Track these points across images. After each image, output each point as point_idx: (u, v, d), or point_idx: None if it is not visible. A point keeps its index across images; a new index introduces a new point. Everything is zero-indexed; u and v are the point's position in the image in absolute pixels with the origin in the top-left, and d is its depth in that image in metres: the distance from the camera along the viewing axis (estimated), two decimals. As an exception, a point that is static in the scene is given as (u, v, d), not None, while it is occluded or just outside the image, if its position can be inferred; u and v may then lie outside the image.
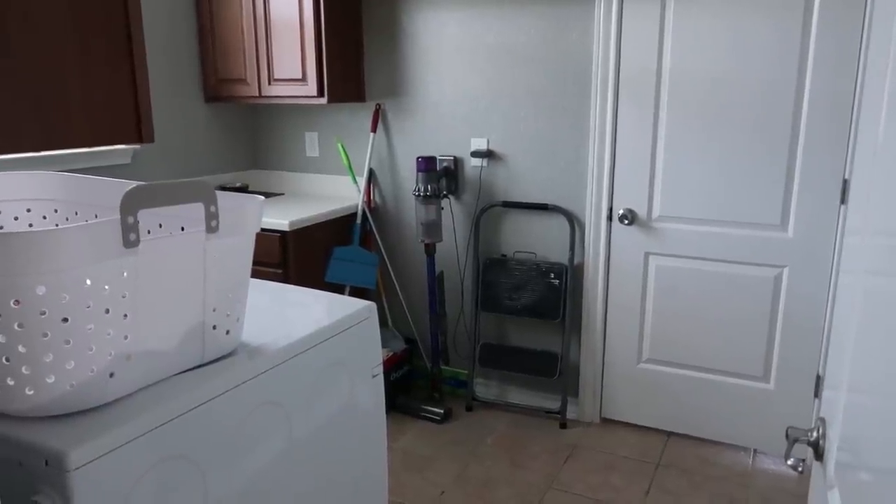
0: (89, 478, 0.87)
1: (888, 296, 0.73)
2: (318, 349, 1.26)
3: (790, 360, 2.72)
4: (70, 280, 0.87)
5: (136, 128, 1.36)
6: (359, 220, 3.32)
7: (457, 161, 3.19)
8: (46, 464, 0.86)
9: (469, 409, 3.27)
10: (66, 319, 0.88)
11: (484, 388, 3.37)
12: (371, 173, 3.40)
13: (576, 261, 3.03)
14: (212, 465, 1.05)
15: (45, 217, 1.29)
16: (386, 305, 3.51)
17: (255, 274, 2.90)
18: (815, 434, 1.03)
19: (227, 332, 1.12)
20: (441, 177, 3.12)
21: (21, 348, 0.88)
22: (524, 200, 3.09)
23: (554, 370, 3.08)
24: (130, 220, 0.90)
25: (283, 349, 1.19)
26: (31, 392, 0.90)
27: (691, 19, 2.62)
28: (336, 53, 3.12)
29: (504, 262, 3.12)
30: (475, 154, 3.11)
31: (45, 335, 0.88)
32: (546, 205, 3.01)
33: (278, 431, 1.18)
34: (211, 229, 1.02)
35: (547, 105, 2.95)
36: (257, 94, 3.25)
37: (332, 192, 3.56)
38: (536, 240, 3.10)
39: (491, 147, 3.10)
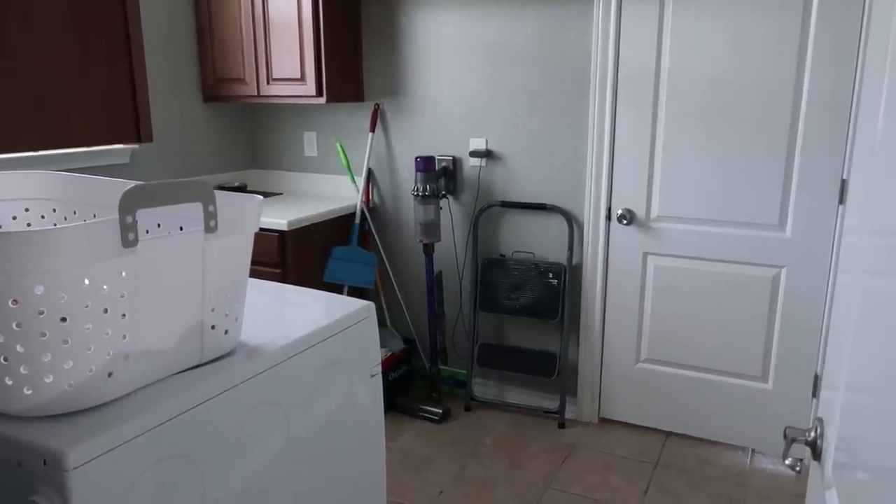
0: (88, 477, 0.87)
1: (886, 296, 0.73)
2: (316, 349, 1.26)
3: (788, 360, 2.73)
4: (68, 280, 0.87)
5: (135, 127, 1.36)
6: (357, 220, 3.32)
7: (455, 161, 3.19)
8: (45, 463, 0.85)
9: (467, 408, 3.27)
10: (64, 319, 0.88)
11: (482, 388, 3.37)
12: (370, 173, 3.40)
13: (574, 261, 3.03)
14: (210, 465, 1.05)
15: (43, 217, 1.29)
16: (384, 305, 3.51)
17: (254, 273, 2.90)
18: (812, 434, 1.03)
19: (226, 332, 1.12)
20: (440, 177, 3.12)
21: (19, 348, 0.88)
22: (523, 200, 3.09)
23: (552, 370, 3.08)
24: (129, 219, 0.90)
25: (281, 349, 1.19)
26: (30, 392, 0.90)
27: (690, 19, 2.62)
28: (335, 53, 3.12)
29: (503, 261, 3.12)
30: (474, 154, 3.11)
31: (44, 335, 0.88)
32: (544, 205, 3.01)
33: (277, 431, 1.18)
34: (209, 229, 1.02)
35: (545, 105, 2.95)
36: (256, 94, 3.25)
37: (331, 192, 3.56)
38: (535, 240, 3.10)
39: (489, 147, 3.10)
